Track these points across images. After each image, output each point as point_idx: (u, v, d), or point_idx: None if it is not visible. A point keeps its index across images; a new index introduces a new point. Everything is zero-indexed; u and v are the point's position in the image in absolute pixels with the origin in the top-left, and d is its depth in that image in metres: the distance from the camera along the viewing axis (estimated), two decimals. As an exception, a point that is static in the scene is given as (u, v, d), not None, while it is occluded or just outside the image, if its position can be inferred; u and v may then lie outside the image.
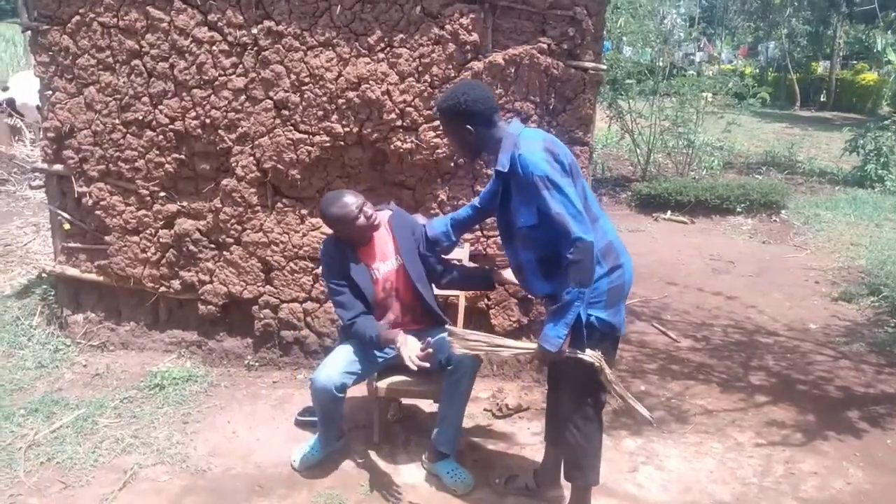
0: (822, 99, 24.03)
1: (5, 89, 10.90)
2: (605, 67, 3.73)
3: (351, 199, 2.92)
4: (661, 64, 9.87)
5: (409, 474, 3.17)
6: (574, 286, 2.38)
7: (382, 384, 3.19)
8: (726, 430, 3.61)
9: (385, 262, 3.08)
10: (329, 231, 3.20)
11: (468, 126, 2.55)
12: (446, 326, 2.93)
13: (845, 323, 5.15)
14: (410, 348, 2.80)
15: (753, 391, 4.04)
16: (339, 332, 3.31)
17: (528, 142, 2.48)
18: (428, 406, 3.59)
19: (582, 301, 2.41)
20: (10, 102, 10.45)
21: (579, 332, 2.50)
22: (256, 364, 4.12)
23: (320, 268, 3.05)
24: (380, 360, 3.12)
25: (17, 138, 10.09)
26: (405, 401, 3.62)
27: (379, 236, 3.07)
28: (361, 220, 2.92)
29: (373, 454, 3.30)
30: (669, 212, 8.39)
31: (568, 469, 2.78)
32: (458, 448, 3.20)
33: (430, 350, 2.82)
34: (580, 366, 2.56)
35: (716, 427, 3.64)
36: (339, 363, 2.98)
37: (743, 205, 8.28)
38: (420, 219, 3.22)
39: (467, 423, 3.50)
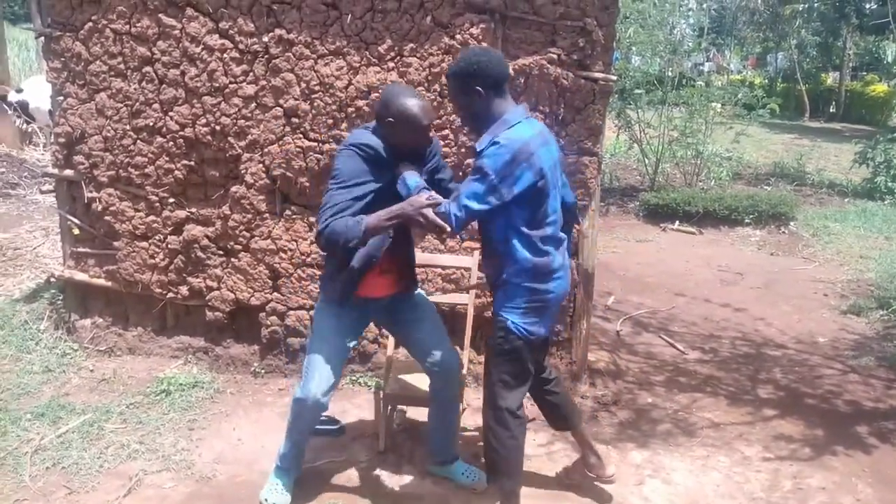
0: (831, 110, 23.98)
1: (19, 91, 10.99)
2: (614, 78, 3.73)
3: (432, 114, 2.64)
4: (670, 74, 9.87)
5: (415, 484, 3.16)
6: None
7: (389, 389, 3.20)
8: (734, 443, 3.59)
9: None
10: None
11: (479, 88, 2.48)
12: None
13: (854, 336, 5.12)
14: (418, 203, 2.45)
15: (761, 404, 4.02)
16: (320, 287, 2.90)
17: (513, 132, 2.46)
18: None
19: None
20: (23, 105, 10.53)
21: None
22: (263, 371, 4.12)
23: (337, 162, 2.59)
24: (349, 333, 2.88)
25: (28, 142, 10.17)
26: (410, 410, 3.60)
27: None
28: (423, 137, 2.61)
29: (378, 463, 3.28)
30: (677, 222, 8.37)
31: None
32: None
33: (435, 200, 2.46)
34: (508, 354, 2.64)
35: (723, 440, 3.61)
36: (319, 371, 2.74)
37: (751, 216, 8.25)
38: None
39: (471, 430, 3.50)
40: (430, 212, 2.44)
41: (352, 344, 2.94)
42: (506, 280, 2.60)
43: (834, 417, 3.90)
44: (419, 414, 3.61)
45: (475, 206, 2.43)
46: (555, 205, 2.62)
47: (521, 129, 2.48)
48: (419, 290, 3.05)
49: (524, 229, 2.53)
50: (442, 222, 2.43)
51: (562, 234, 2.70)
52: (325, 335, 2.81)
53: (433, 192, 2.54)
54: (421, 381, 3.23)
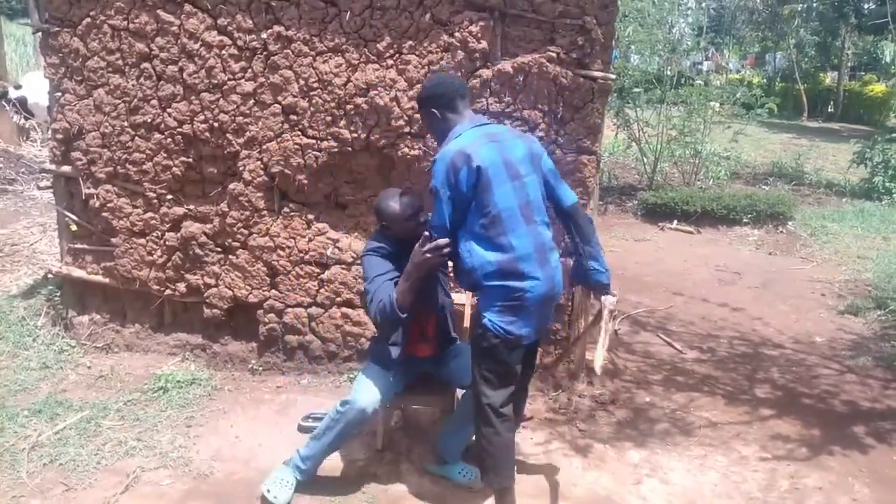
0: (829, 110, 23.99)
1: (18, 87, 10.98)
2: (613, 77, 3.73)
3: (414, 202, 2.90)
4: (668, 73, 9.87)
5: (413, 482, 3.16)
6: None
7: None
8: (731, 443, 3.59)
9: None
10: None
11: (433, 110, 2.74)
12: None
13: (851, 336, 5.12)
14: (416, 253, 2.71)
15: (758, 404, 4.02)
16: (368, 350, 3.32)
17: (453, 143, 2.63)
18: (431, 413, 3.58)
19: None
20: (22, 101, 10.52)
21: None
22: (260, 368, 4.12)
23: (364, 266, 2.94)
24: (398, 378, 3.07)
25: (25, 138, 10.14)
26: (408, 409, 3.60)
27: None
28: (412, 224, 2.87)
29: (376, 461, 3.28)
30: (675, 221, 8.37)
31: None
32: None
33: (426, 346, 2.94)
34: (486, 352, 2.70)
35: (720, 440, 3.62)
36: (375, 390, 2.91)
37: (749, 215, 8.25)
38: None
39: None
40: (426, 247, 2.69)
41: (398, 389, 3.09)
42: (481, 285, 2.65)
43: (831, 417, 3.90)
44: (417, 413, 3.62)
45: (437, 221, 2.65)
46: (508, 200, 2.59)
47: (460, 139, 2.63)
48: (459, 342, 3.22)
49: (478, 230, 2.60)
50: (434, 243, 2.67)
51: (540, 231, 2.67)
52: (374, 376, 3.00)
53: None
54: (424, 392, 3.25)
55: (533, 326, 2.72)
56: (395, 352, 2.95)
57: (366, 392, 2.89)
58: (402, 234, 2.89)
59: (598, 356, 2.99)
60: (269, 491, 2.92)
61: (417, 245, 2.70)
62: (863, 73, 26.11)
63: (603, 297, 2.94)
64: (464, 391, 3.11)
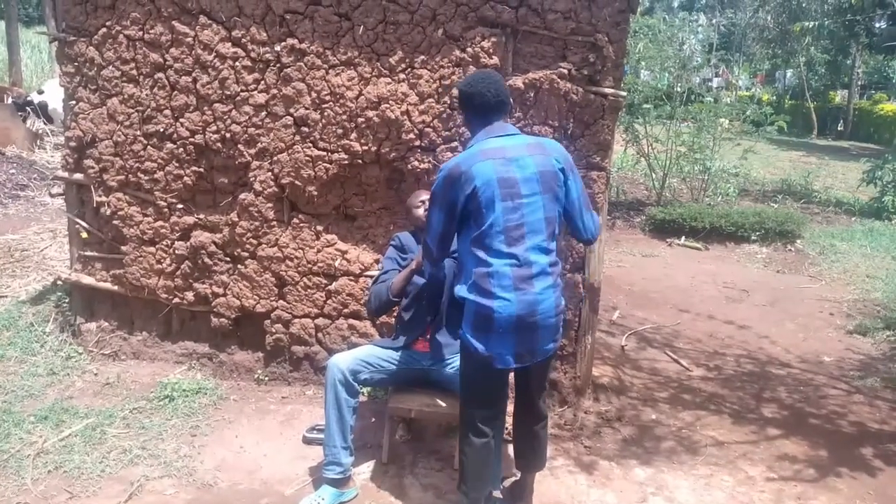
0: (839, 128, 23.96)
1: (41, 93, 11.16)
2: (624, 94, 3.74)
3: (422, 192, 3.29)
4: (678, 89, 9.89)
5: (416, 496, 3.14)
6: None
7: (406, 404, 3.21)
8: (737, 462, 3.57)
9: None
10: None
11: (463, 111, 2.78)
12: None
13: (860, 357, 5.09)
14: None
15: (765, 424, 3.99)
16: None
17: (461, 155, 2.66)
18: (436, 427, 3.57)
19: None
20: (43, 106, 10.70)
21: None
22: (266, 378, 4.12)
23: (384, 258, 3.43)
24: (403, 365, 3.18)
25: (38, 144, 10.24)
26: (413, 422, 3.59)
27: None
28: (421, 210, 3.24)
29: (380, 474, 3.27)
30: (684, 237, 8.36)
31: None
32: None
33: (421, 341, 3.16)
34: (463, 365, 2.75)
35: (727, 459, 3.59)
36: (357, 352, 3.17)
37: (758, 233, 8.23)
38: None
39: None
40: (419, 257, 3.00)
41: (388, 374, 3.22)
42: (464, 293, 2.64)
43: (838, 438, 3.87)
44: (422, 427, 3.61)
45: (431, 225, 2.69)
46: (496, 220, 2.53)
47: (468, 151, 2.65)
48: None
49: (469, 240, 2.61)
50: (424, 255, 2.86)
51: (526, 255, 2.55)
52: (361, 347, 3.31)
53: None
54: (423, 396, 3.24)
55: (511, 351, 2.59)
56: (401, 340, 3.24)
57: (342, 353, 3.16)
58: (416, 222, 3.32)
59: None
60: None
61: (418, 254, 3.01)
62: (873, 92, 26.09)
63: None
64: None
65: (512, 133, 2.69)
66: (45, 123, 10.64)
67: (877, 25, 22.11)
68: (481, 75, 2.75)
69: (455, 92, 2.87)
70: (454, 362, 3.17)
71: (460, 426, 2.81)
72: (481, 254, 2.57)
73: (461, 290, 2.65)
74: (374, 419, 3.69)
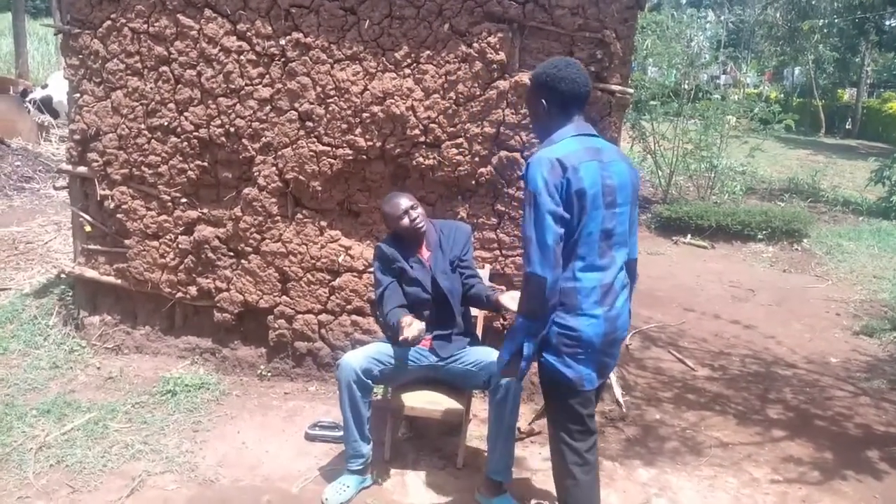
0: (847, 127, 23.83)
1: (45, 87, 11.18)
2: (631, 91, 3.70)
3: (403, 201, 3.18)
4: (686, 86, 9.83)
5: (418, 494, 3.13)
6: (521, 314, 2.34)
7: (408, 402, 3.17)
8: (742, 464, 3.54)
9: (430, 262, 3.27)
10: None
11: (543, 101, 2.41)
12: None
13: (866, 358, 5.05)
14: (412, 328, 2.88)
15: (770, 425, 3.96)
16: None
17: (550, 149, 2.32)
18: (439, 425, 3.55)
19: (528, 333, 2.32)
20: (47, 100, 10.72)
21: (520, 360, 2.38)
22: (269, 374, 4.11)
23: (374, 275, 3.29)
24: (411, 363, 3.17)
25: (45, 136, 10.26)
26: (416, 420, 3.58)
27: (432, 240, 3.28)
28: (405, 220, 3.16)
29: (383, 472, 3.26)
30: (689, 236, 8.32)
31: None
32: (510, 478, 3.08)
33: (423, 339, 3.00)
34: (549, 396, 2.51)
35: (731, 461, 3.56)
36: (367, 349, 3.12)
37: (764, 232, 8.18)
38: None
39: (475, 443, 3.47)
40: (407, 337, 2.85)
41: (394, 368, 3.16)
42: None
43: (844, 441, 3.84)
44: (425, 424, 3.60)
45: (546, 230, 2.23)
46: (594, 228, 2.31)
47: (561, 145, 2.33)
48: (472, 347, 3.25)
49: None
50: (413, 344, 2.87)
51: (612, 267, 2.38)
52: (370, 345, 3.24)
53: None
54: (426, 394, 3.22)
55: (595, 369, 2.42)
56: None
57: (350, 352, 3.11)
58: (399, 231, 3.21)
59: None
60: (326, 499, 3.01)
61: (413, 332, 2.86)
62: (882, 91, 25.93)
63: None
64: (490, 404, 3.04)
65: (595, 134, 2.46)
66: (52, 116, 10.65)
67: (887, 23, 21.98)
68: (565, 61, 2.44)
69: (531, 76, 2.49)
70: (461, 357, 3.16)
71: (558, 465, 2.51)
72: (570, 264, 2.31)
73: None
74: (376, 416, 3.67)
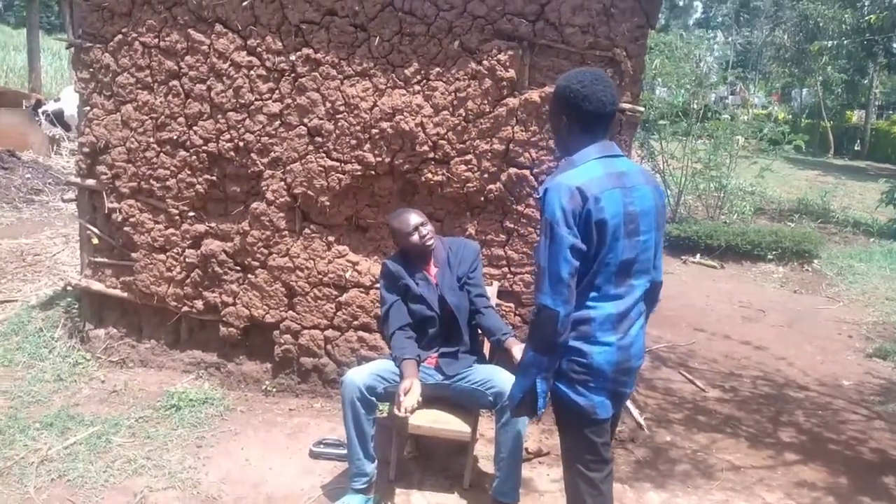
0: (856, 148, 23.78)
1: (57, 100, 11.31)
2: (642, 109, 3.69)
3: (413, 218, 3.16)
4: (695, 106, 9.83)
5: (423, 515, 3.08)
6: (531, 349, 2.19)
7: (413, 420, 3.10)
8: (754, 488, 3.47)
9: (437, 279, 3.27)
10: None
11: (564, 116, 2.23)
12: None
13: (880, 381, 4.98)
14: (409, 395, 2.80)
15: (783, 448, 3.89)
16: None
17: (570, 175, 2.14)
18: (445, 444, 3.50)
19: (539, 368, 2.20)
20: (59, 113, 10.83)
21: (534, 398, 2.23)
22: (274, 390, 4.07)
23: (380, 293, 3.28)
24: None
25: (56, 149, 10.33)
26: (422, 439, 3.53)
27: (440, 257, 3.27)
28: (415, 237, 3.13)
29: (388, 493, 3.20)
30: (699, 255, 8.27)
31: None
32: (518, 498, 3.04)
33: (416, 407, 2.84)
34: (562, 425, 2.39)
35: (743, 485, 3.49)
36: (372, 366, 3.10)
37: (774, 252, 8.13)
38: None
39: (483, 465, 3.42)
40: (405, 407, 2.78)
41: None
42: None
43: (859, 465, 3.76)
44: (431, 443, 3.54)
45: (561, 261, 2.08)
46: (613, 258, 2.17)
47: (582, 169, 2.16)
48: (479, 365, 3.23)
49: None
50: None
51: (630, 295, 2.26)
52: (375, 362, 3.24)
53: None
54: (432, 412, 3.17)
55: (609, 397, 2.28)
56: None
57: (354, 369, 3.10)
58: (408, 247, 3.19)
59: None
60: None
61: (411, 402, 2.78)
62: (891, 112, 25.90)
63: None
64: (497, 423, 3.01)
65: (621, 154, 2.28)
66: (64, 129, 10.74)
67: (895, 45, 21.98)
68: (593, 75, 2.22)
69: (555, 87, 2.29)
70: (468, 376, 3.13)
71: (573, 496, 2.37)
72: (584, 293, 2.18)
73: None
74: (382, 434, 3.62)
